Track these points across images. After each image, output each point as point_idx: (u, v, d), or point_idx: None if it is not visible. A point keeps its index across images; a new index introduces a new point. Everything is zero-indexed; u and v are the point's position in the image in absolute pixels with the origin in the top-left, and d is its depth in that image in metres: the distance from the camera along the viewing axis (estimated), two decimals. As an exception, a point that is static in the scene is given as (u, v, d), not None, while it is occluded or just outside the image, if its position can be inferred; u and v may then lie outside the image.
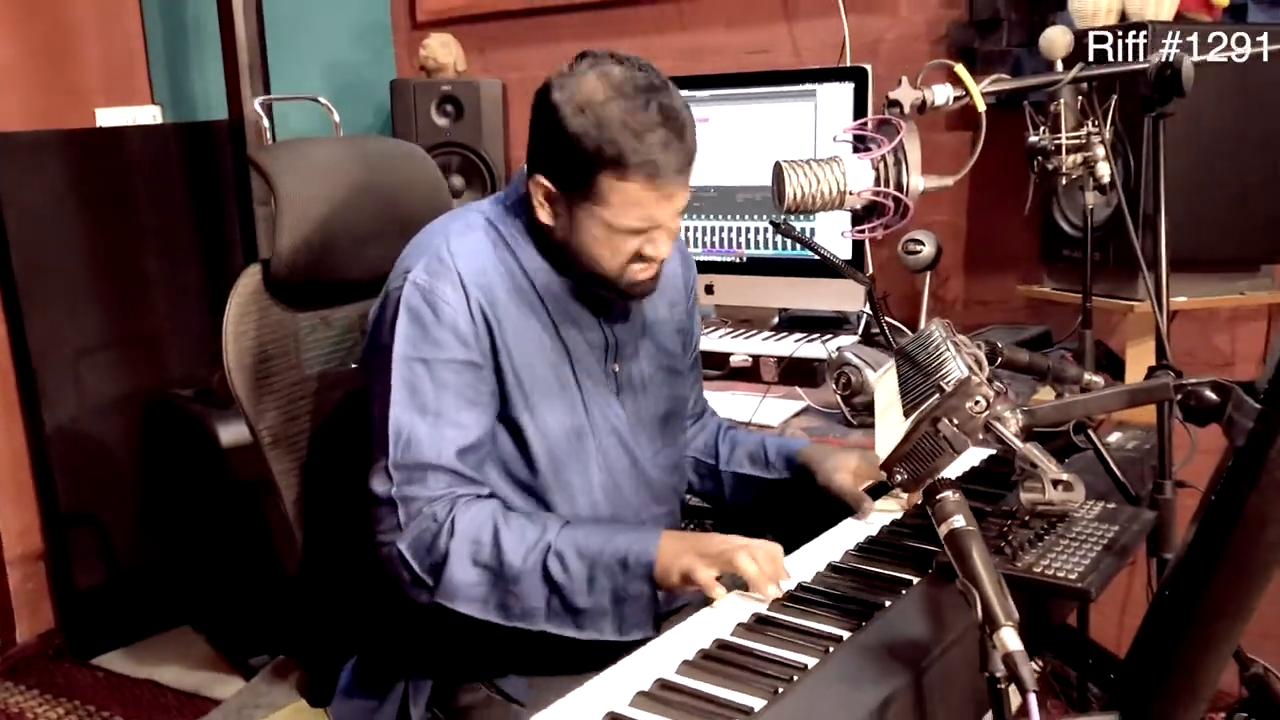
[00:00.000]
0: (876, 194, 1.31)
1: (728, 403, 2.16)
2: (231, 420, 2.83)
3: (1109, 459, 1.46)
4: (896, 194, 1.30)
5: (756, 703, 1.05)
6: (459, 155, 3.02)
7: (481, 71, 3.26)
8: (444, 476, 1.41)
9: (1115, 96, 1.90)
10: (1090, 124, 1.88)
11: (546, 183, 1.45)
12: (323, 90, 3.14)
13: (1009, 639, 0.98)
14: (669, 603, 1.43)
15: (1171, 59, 1.37)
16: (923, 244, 2.45)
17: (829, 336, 2.47)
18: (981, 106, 1.33)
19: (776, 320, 2.63)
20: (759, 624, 1.23)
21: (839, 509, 1.63)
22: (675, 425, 1.72)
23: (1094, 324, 2.02)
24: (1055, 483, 1.12)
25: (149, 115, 3.22)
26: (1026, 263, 2.61)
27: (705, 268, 2.58)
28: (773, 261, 2.55)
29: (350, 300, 1.76)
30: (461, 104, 2.99)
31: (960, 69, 1.33)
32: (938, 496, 1.08)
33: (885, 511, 1.58)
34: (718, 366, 2.41)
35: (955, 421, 1.03)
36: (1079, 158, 1.90)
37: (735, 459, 1.79)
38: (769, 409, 2.16)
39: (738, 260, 2.58)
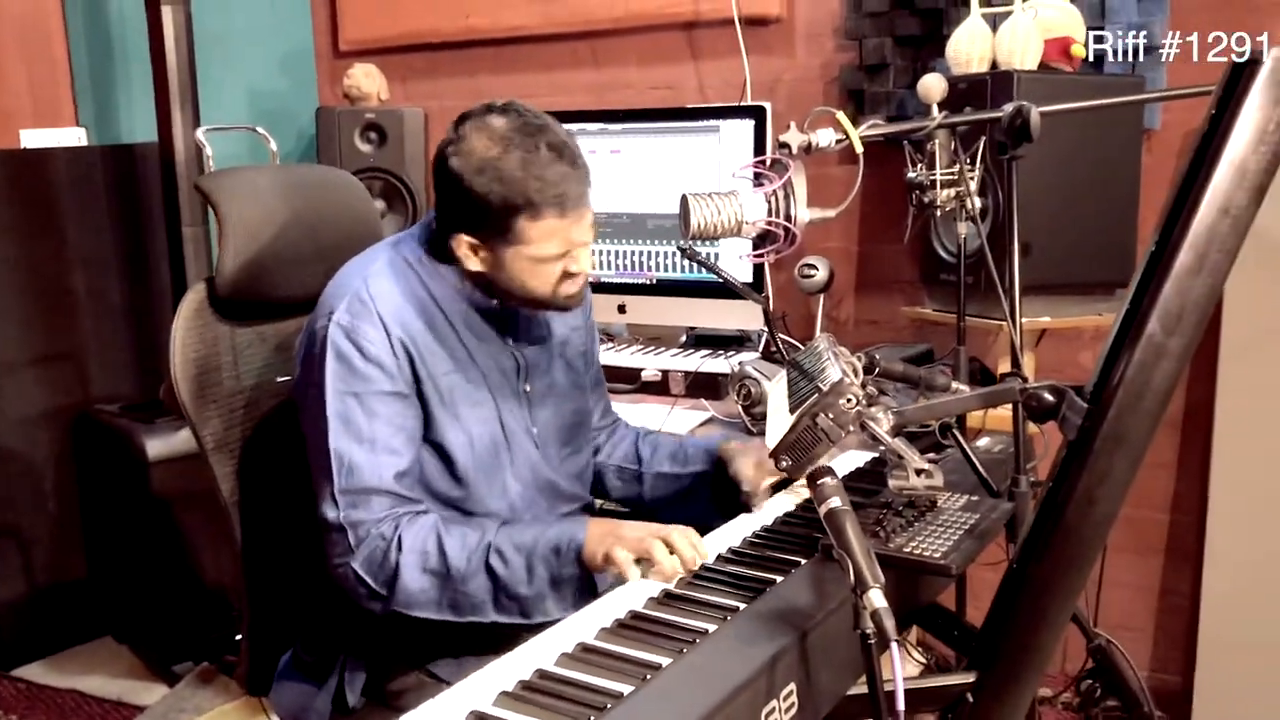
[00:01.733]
0: (769, 223, 1.49)
1: (639, 414, 2.33)
2: (157, 434, 2.93)
3: (972, 456, 1.66)
4: (786, 224, 1.48)
5: (665, 660, 1.21)
6: (382, 180, 3.16)
7: (403, 100, 3.41)
8: (385, 499, 1.57)
9: (985, 138, 2.13)
10: (963, 161, 2.10)
11: (468, 238, 1.62)
12: (248, 115, 3.25)
13: (875, 598, 1.16)
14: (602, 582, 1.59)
15: (1021, 109, 1.58)
16: (817, 269, 2.66)
17: (732, 353, 2.66)
18: (859, 149, 1.53)
19: (684, 338, 2.82)
20: (667, 599, 1.40)
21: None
22: (581, 435, 1.88)
23: (969, 342, 2.24)
24: (918, 471, 1.31)
25: (74, 137, 3.29)
26: (911, 286, 2.84)
27: (618, 289, 2.77)
28: (681, 284, 2.74)
29: (285, 317, 1.89)
30: (385, 131, 3.14)
31: (841, 116, 1.53)
32: (818, 481, 1.26)
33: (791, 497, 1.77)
34: (629, 380, 2.58)
35: (831, 416, 1.22)
36: (952, 192, 2.11)
37: (656, 460, 1.95)
38: (677, 419, 2.34)
39: (648, 282, 2.76)
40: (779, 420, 1.32)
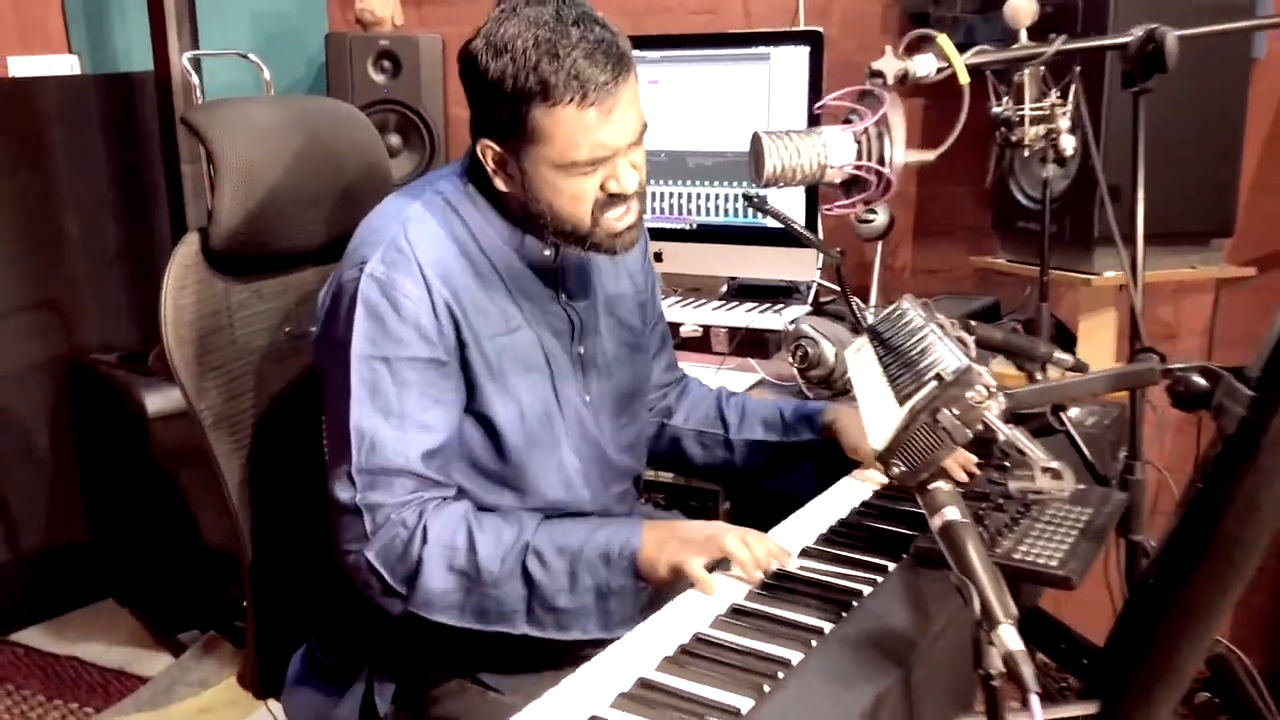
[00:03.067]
0: (858, 168, 1.26)
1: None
2: (157, 388, 2.72)
3: (1079, 441, 1.44)
4: (879, 168, 1.25)
5: (744, 702, 1.01)
6: (396, 113, 2.91)
7: (418, 26, 3.15)
8: (410, 481, 1.35)
9: (1078, 68, 1.88)
10: (1054, 95, 1.86)
11: (491, 144, 1.38)
12: (252, 43, 3.01)
13: (1009, 637, 0.95)
14: (655, 596, 1.37)
15: (1154, 33, 1.34)
16: (876, 213, 2.40)
17: (780, 306, 2.43)
18: (965, 79, 1.29)
19: (725, 289, 2.59)
20: (736, 615, 1.19)
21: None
22: (637, 404, 1.66)
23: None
24: (1046, 469, 1.08)
25: (66, 65, 3.04)
26: (975, 233, 2.60)
27: (654, 235, 2.52)
28: (723, 229, 2.50)
29: (289, 269, 1.67)
30: (400, 60, 2.88)
31: (944, 40, 1.29)
32: (930, 486, 1.04)
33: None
34: (668, 337, 2.36)
35: (955, 412, 0.99)
36: (1042, 129, 1.87)
37: (747, 426, 1.73)
38: (723, 382, 2.11)
39: (688, 227, 2.52)
40: (880, 411, 1.09)
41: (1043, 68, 1.87)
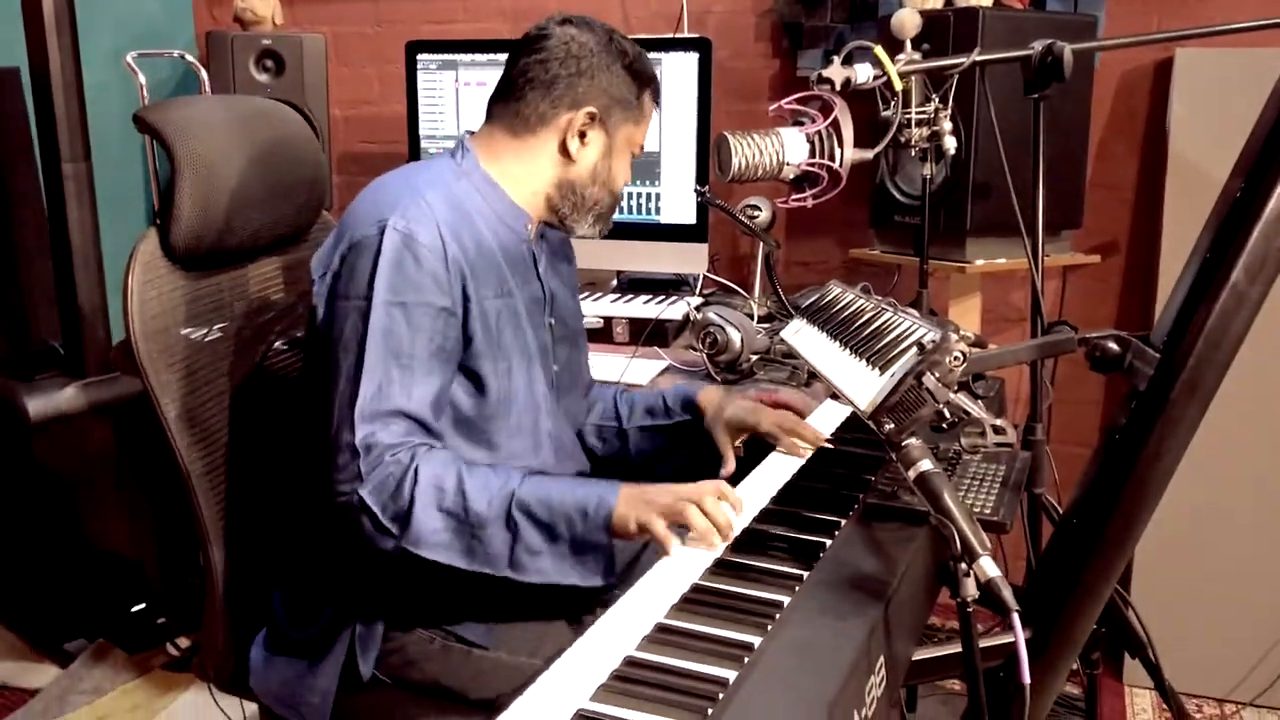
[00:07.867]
0: (811, 165, 1.40)
1: (596, 364, 2.20)
2: (39, 392, 2.65)
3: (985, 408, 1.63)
4: (831, 164, 1.40)
5: (755, 638, 1.13)
6: (280, 113, 2.91)
7: (294, 25, 3.15)
8: (406, 423, 1.43)
9: (955, 76, 2.09)
10: (935, 100, 2.06)
11: (592, 109, 1.57)
12: (115, 45, 2.95)
13: (988, 566, 1.10)
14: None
15: (1053, 47, 1.53)
16: (760, 209, 2.58)
17: (672, 298, 2.57)
18: (899, 86, 1.45)
19: (615, 283, 2.71)
20: (722, 568, 1.31)
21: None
22: (583, 380, 1.86)
23: (910, 284, 2.21)
24: (994, 428, 1.25)
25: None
26: (845, 227, 2.81)
27: (551, 231, 2.63)
28: (617, 225, 2.61)
29: (242, 264, 1.73)
30: (283, 59, 2.89)
31: (879, 51, 1.45)
32: (902, 443, 1.19)
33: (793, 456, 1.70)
34: (571, 328, 2.47)
35: (936, 375, 1.14)
36: (926, 131, 2.07)
37: (635, 416, 1.87)
38: (636, 369, 2.24)
39: (583, 224, 2.63)
40: (851, 375, 1.24)
41: (925, 77, 2.08)
